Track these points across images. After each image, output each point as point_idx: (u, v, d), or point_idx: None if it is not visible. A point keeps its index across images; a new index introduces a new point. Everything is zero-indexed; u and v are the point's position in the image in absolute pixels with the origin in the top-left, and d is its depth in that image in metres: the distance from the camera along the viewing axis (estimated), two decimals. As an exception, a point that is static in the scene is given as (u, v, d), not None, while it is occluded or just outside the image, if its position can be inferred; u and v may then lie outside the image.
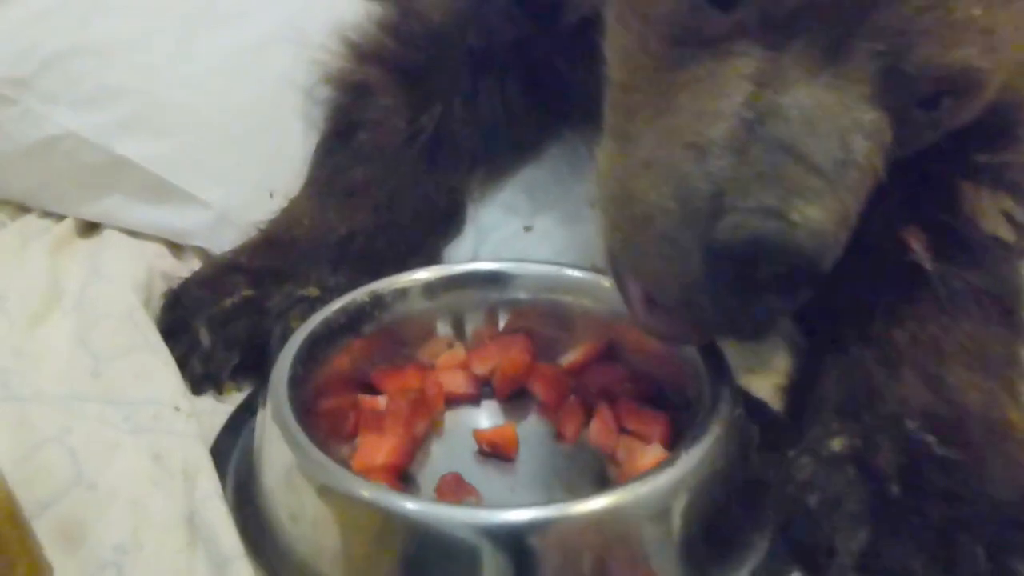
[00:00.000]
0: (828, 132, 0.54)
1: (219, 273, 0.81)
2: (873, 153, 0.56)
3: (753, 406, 0.68)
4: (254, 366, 0.74)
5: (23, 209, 0.93)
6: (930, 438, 0.59)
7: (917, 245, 0.67)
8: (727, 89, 0.56)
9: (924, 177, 0.67)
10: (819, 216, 0.52)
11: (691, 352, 0.65)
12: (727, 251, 0.53)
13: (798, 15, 0.54)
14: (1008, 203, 0.68)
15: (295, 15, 0.98)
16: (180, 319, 0.77)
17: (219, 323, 0.76)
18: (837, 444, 0.61)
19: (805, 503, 0.59)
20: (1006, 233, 0.68)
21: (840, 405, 0.63)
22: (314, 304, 0.73)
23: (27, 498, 0.60)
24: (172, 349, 0.75)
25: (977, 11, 0.55)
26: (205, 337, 0.75)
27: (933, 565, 0.55)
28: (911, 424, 0.60)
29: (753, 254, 0.52)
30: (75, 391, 0.70)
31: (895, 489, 0.58)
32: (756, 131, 0.54)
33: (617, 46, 0.64)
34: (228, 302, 0.76)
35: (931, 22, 0.54)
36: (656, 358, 0.69)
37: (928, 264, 0.66)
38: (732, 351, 0.66)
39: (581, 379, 0.72)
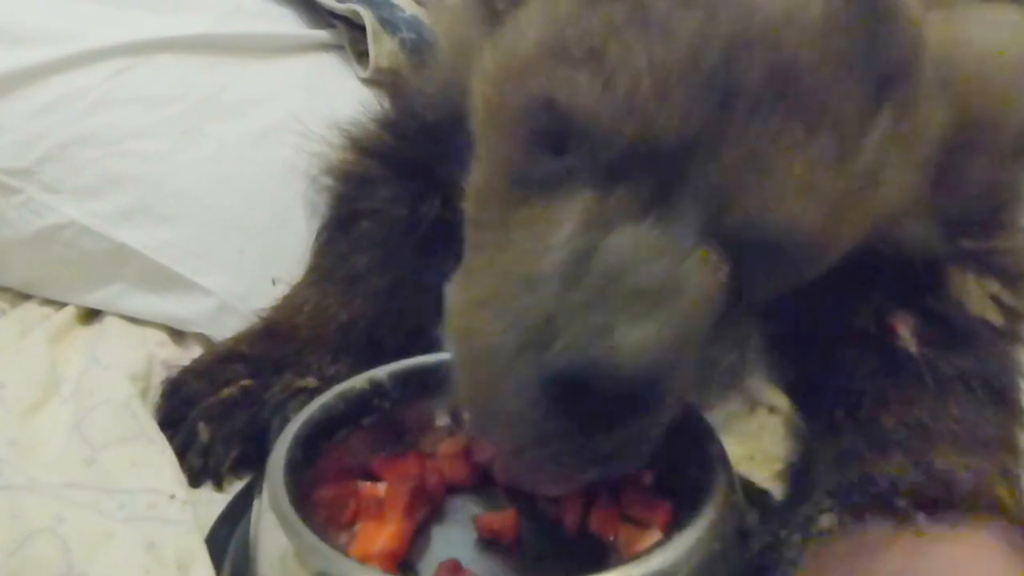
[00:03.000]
0: (653, 261, 0.56)
1: (218, 362, 0.81)
2: (705, 282, 0.58)
3: (753, 493, 0.68)
4: (253, 458, 0.74)
5: (23, 296, 0.93)
6: (918, 514, 0.60)
7: (904, 331, 0.68)
8: (558, 227, 0.59)
9: (910, 263, 0.68)
10: (644, 335, 0.54)
11: (688, 441, 0.65)
12: (559, 376, 0.54)
13: (622, 163, 0.58)
14: (996, 287, 0.70)
15: (298, 108, 1.00)
16: (178, 410, 0.77)
17: (217, 415, 0.76)
18: (826, 521, 0.61)
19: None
20: (994, 316, 0.69)
21: (832, 486, 0.63)
22: (313, 395, 0.73)
23: (16, 591, 0.59)
24: (170, 440, 0.74)
25: (799, 168, 0.57)
26: (204, 431, 0.75)
27: None
28: (900, 502, 0.60)
29: (583, 377, 0.54)
30: (69, 479, 0.69)
31: None
32: (583, 263, 0.57)
33: (472, 182, 0.68)
34: (226, 393, 0.77)
35: (751, 178, 0.57)
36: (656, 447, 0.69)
37: (913, 349, 0.67)
38: (731, 439, 0.67)
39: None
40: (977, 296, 0.69)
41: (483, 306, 0.60)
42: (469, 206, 0.68)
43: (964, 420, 0.65)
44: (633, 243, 0.57)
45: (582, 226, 0.58)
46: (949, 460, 0.63)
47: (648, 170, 0.57)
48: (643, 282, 0.56)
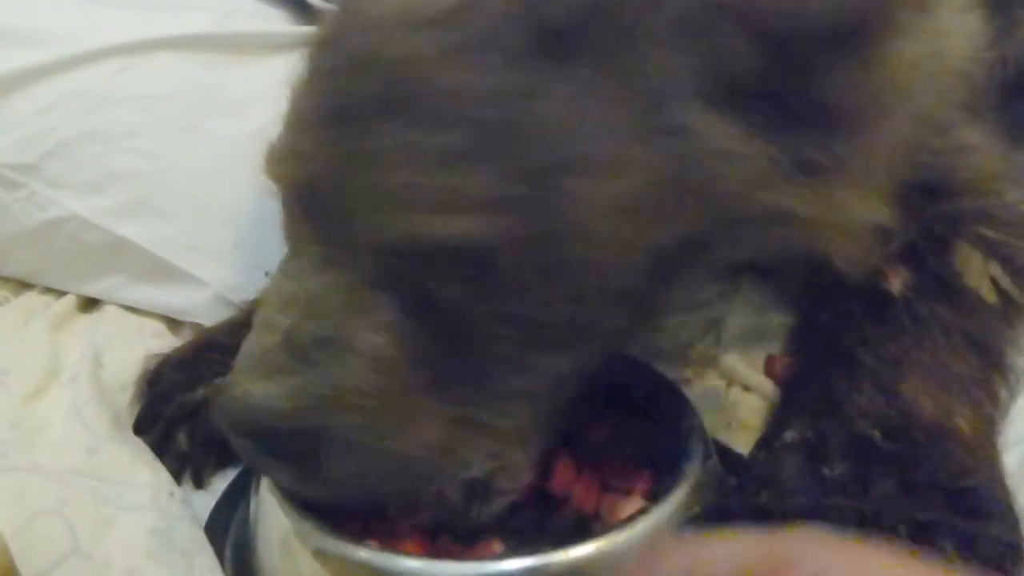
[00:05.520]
0: (321, 315, 0.56)
1: (195, 350, 0.82)
2: (372, 332, 0.55)
3: (730, 459, 0.69)
4: (230, 458, 0.75)
5: (25, 286, 0.96)
6: (876, 434, 0.62)
7: (896, 280, 0.69)
8: (273, 278, 0.62)
9: (924, 233, 0.70)
10: (262, 391, 0.55)
11: (666, 411, 0.68)
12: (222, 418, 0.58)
13: (296, 212, 0.59)
14: (998, 271, 0.71)
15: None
16: (154, 407, 0.78)
17: (194, 418, 0.76)
18: (788, 436, 0.63)
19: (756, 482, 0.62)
20: (989, 294, 0.70)
21: (799, 410, 0.66)
22: None
23: (24, 569, 0.61)
24: (145, 439, 0.75)
25: (419, 175, 0.53)
26: (182, 440, 0.76)
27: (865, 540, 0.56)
28: (860, 423, 0.63)
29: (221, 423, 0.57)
30: (72, 466, 0.71)
31: (837, 470, 0.60)
32: (273, 317, 0.57)
33: None
34: (202, 393, 0.77)
35: (376, 197, 0.54)
36: (637, 417, 0.71)
37: (896, 291, 0.68)
38: (707, 409, 0.69)
39: (567, 441, 0.72)
40: (977, 272, 0.70)
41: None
42: None
43: (937, 357, 0.67)
44: (310, 296, 0.56)
45: (282, 278, 0.60)
46: (915, 390, 0.65)
47: (315, 215, 0.57)
48: (304, 338, 0.55)
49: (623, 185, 0.53)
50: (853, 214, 0.59)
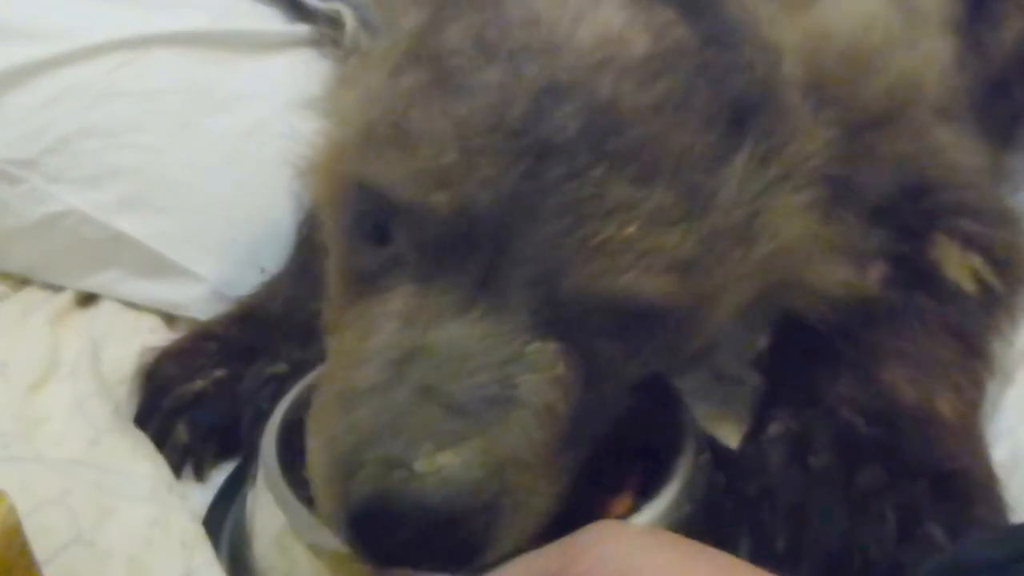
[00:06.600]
0: (478, 368, 0.51)
1: (193, 342, 0.83)
2: (545, 386, 0.53)
3: (720, 453, 0.70)
4: (230, 448, 0.77)
5: (24, 281, 0.97)
6: (859, 420, 0.63)
7: (872, 271, 0.69)
8: (375, 329, 0.54)
9: (903, 228, 0.71)
10: (451, 461, 0.49)
11: (658, 405, 0.68)
12: (358, 513, 0.50)
13: (444, 244, 0.53)
14: (977, 262, 0.72)
15: (287, 102, 1.02)
16: (153, 399, 0.79)
17: (193, 411, 0.77)
18: (773, 429, 0.65)
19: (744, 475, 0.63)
20: (968, 285, 0.71)
21: (783, 402, 0.67)
22: (284, 381, 0.75)
23: (27, 556, 0.62)
24: (145, 431, 0.76)
25: (632, 230, 0.52)
26: (182, 432, 0.76)
27: (853, 527, 0.58)
28: (843, 412, 0.64)
29: (383, 514, 0.49)
30: (74, 457, 0.72)
31: (823, 459, 0.61)
32: (398, 374, 0.52)
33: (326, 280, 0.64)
34: (200, 385, 0.78)
35: (576, 246, 0.51)
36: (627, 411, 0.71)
37: (872, 280, 0.68)
38: (698, 403, 0.70)
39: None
40: (955, 263, 0.71)
41: (311, 419, 0.57)
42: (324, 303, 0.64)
43: (915, 344, 0.68)
44: (455, 344, 0.52)
45: (400, 326, 0.53)
46: (895, 376, 0.66)
47: (470, 250, 0.52)
48: (461, 393, 0.51)
49: (779, 237, 0.59)
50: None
